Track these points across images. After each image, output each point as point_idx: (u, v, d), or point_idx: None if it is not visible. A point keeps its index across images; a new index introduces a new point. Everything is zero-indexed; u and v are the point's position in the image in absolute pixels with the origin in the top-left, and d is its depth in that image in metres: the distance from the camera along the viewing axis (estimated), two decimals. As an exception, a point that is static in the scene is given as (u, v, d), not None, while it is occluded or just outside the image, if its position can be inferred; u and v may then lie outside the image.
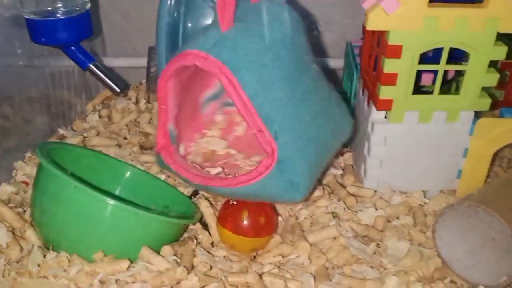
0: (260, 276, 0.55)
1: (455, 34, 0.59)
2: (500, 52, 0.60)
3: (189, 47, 0.54)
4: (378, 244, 0.61)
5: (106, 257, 0.55)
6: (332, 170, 0.73)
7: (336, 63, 0.95)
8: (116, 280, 0.53)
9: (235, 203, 0.60)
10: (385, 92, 0.63)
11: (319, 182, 0.71)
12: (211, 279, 0.54)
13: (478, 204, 0.54)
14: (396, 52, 0.60)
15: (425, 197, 0.69)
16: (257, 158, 0.66)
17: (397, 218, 0.65)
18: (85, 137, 0.81)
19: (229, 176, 0.62)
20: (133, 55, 0.99)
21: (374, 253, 0.60)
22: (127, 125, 0.85)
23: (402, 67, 0.61)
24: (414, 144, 0.67)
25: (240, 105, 0.52)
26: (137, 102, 0.91)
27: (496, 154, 0.68)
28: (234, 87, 0.52)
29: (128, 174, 0.70)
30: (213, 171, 0.63)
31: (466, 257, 0.58)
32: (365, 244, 0.60)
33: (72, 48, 0.74)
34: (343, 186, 0.70)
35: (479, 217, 0.56)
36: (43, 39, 0.71)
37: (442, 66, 0.62)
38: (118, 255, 0.56)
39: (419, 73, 0.75)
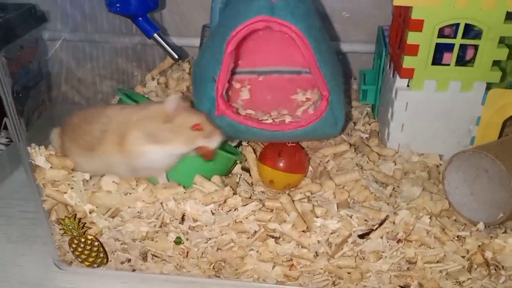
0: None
1: (469, 11, 0.68)
2: (509, 29, 0.69)
3: (250, 14, 0.64)
4: (394, 188, 0.70)
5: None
6: (359, 133, 0.83)
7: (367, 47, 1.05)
8: (174, 198, 0.65)
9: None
10: (408, 62, 0.72)
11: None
12: (251, 200, 0.65)
13: (479, 150, 0.63)
14: (418, 25, 0.69)
15: (440, 159, 0.78)
16: (275, 112, 0.77)
17: (414, 172, 0.75)
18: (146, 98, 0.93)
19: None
20: (187, 35, 1.11)
21: (391, 195, 0.69)
22: (182, 91, 0.97)
23: (423, 39, 0.70)
24: (432, 110, 0.75)
25: (309, 56, 0.64)
26: (189, 73, 1.02)
27: (505, 123, 0.77)
28: (304, 43, 0.64)
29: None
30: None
31: (469, 198, 0.67)
32: (383, 188, 0.70)
33: (140, 18, 0.86)
34: (368, 145, 0.80)
35: (481, 164, 0.65)
36: (118, 8, 0.84)
37: (458, 40, 0.71)
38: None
39: (441, 53, 0.84)
